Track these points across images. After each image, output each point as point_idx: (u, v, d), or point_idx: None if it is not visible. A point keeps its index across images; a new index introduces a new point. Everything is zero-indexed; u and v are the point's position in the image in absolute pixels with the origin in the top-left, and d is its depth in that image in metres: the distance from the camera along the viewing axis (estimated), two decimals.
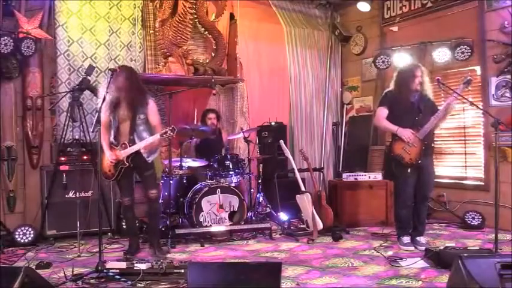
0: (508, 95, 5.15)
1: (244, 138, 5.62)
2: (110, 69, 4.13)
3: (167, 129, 3.96)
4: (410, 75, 4.34)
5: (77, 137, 5.05)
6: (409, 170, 4.32)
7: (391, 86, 4.54)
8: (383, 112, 4.47)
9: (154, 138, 4.05)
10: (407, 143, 4.27)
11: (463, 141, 5.75)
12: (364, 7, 6.65)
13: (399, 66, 4.78)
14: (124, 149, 4.11)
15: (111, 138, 4.20)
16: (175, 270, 3.43)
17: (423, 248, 4.21)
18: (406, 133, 4.27)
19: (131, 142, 4.12)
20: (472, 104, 4.30)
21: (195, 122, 5.88)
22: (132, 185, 4.37)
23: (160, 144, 4.41)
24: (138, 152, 4.14)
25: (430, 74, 4.54)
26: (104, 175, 4.27)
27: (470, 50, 5.49)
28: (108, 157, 4.14)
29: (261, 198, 5.55)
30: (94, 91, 5.21)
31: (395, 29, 6.49)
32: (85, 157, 5.07)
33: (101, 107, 3.82)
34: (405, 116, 4.35)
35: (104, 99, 3.89)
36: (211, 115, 5.90)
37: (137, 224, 4.66)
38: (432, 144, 4.49)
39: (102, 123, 4.14)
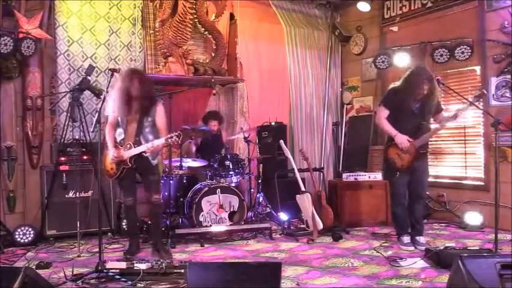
0: (508, 95, 5.16)
1: (244, 138, 5.62)
2: (110, 69, 4.12)
3: (173, 135, 3.93)
4: (417, 85, 4.22)
5: (77, 137, 5.04)
6: (397, 174, 4.37)
7: (398, 83, 4.47)
8: (384, 112, 4.45)
9: (160, 142, 4.03)
10: (401, 149, 4.28)
11: (463, 141, 5.75)
12: (364, 7, 6.65)
13: (412, 66, 4.61)
14: (129, 149, 4.11)
15: (118, 139, 4.20)
16: (175, 270, 3.43)
17: (423, 248, 4.21)
18: (403, 141, 4.26)
19: (136, 143, 4.11)
20: (472, 104, 4.30)
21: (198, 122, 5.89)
22: (134, 185, 4.36)
23: (164, 147, 4.41)
24: (141, 154, 4.13)
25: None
26: (106, 173, 4.28)
27: (470, 50, 5.49)
28: (112, 154, 4.13)
29: (261, 198, 5.55)
30: (94, 91, 5.20)
31: (395, 29, 6.50)
32: (85, 157, 5.07)
33: (101, 107, 3.81)
34: (406, 121, 4.33)
35: (104, 99, 3.89)
36: (213, 122, 5.86)
37: (138, 224, 4.66)
38: (427, 152, 4.49)
39: (109, 122, 4.20)
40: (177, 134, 3.94)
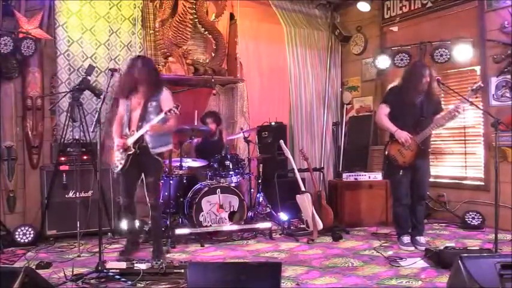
0: (508, 95, 5.16)
1: (244, 138, 5.62)
2: (110, 69, 4.11)
3: (171, 107, 3.84)
4: (418, 75, 4.27)
5: (77, 137, 5.04)
6: (400, 172, 4.35)
7: (397, 82, 4.50)
8: (384, 109, 4.46)
9: (159, 118, 3.90)
10: (403, 145, 4.27)
11: (463, 141, 5.76)
12: (364, 7, 6.65)
13: (407, 64, 4.69)
14: (131, 135, 4.00)
15: (125, 128, 4.08)
16: (175, 270, 3.44)
17: (423, 248, 4.22)
18: (403, 136, 4.27)
19: (139, 129, 3.99)
20: (472, 104, 4.31)
21: (195, 122, 5.88)
22: (134, 186, 4.22)
23: (170, 130, 4.18)
24: (146, 144, 3.99)
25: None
26: (114, 165, 4.14)
27: (470, 50, 5.49)
28: (116, 143, 4.05)
29: (261, 198, 5.54)
30: (94, 91, 5.20)
31: (395, 29, 6.50)
32: (85, 157, 5.07)
33: (100, 107, 3.80)
34: (407, 117, 4.34)
35: (104, 99, 3.87)
36: (209, 120, 5.88)
37: (134, 226, 4.57)
38: (429, 150, 4.49)
39: (118, 114, 4.13)
40: (175, 105, 3.84)
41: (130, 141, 4.00)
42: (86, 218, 4.66)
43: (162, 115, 3.89)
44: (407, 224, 4.49)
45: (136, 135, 3.97)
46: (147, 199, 4.20)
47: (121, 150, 4.06)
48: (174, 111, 3.83)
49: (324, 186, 5.86)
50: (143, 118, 4.01)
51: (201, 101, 6.39)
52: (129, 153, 4.02)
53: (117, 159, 4.10)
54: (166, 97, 4.08)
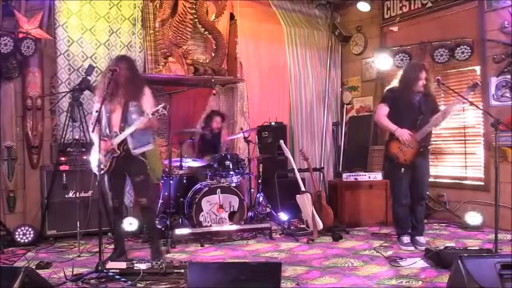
0: (508, 95, 5.16)
1: (244, 138, 5.63)
2: (109, 69, 4.09)
3: (158, 107, 3.77)
4: (415, 76, 4.32)
5: (77, 137, 5.04)
6: (402, 170, 4.36)
7: (394, 84, 4.54)
8: (383, 109, 4.48)
9: (145, 119, 3.80)
10: (403, 143, 4.28)
11: (463, 141, 5.76)
12: (364, 7, 6.66)
13: (405, 65, 4.75)
14: (115, 137, 3.89)
15: (104, 130, 3.91)
16: (175, 270, 3.44)
17: (423, 248, 4.22)
18: (403, 134, 4.28)
19: (122, 130, 3.89)
20: (472, 104, 4.31)
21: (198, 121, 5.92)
22: (122, 187, 4.14)
23: (153, 128, 4.11)
24: (128, 145, 3.90)
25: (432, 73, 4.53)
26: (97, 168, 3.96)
27: (470, 50, 5.50)
28: (102, 147, 3.83)
29: (261, 198, 5.54)
30: (94, 91, 5.20)
31: (395, 29, 6.50)
32: (85, 157, 5.06)
33: (100, 107, 3.77)
34: (406, 116, 4.35)
35: (104, 99, 3.84)
36: (218, 118, 5.95)
37: (123, 229, 4.46)
38: (429, 147, 4.50)
39: (95, 115, 3.95)
40: (163, 106, 3.77)
41: (115, 142, 3.88)
42: (86, 218, 4.65)
43: (149, 116, 3.80)
44: (407, 224, 4.49)
45: (122, 135, 3.87)
46: (137, 199, 4.11)
47: (105, 153, 3.90)
48: (162, 111, 3.78)
49: (324, 186, 5.86)
50: (125, 119, 3.92)
51: (201, 101, 6.39)
52: (115, 155, 3.91)
53: (101, 162, 3.88)
54: (147, 96, 4.02)
